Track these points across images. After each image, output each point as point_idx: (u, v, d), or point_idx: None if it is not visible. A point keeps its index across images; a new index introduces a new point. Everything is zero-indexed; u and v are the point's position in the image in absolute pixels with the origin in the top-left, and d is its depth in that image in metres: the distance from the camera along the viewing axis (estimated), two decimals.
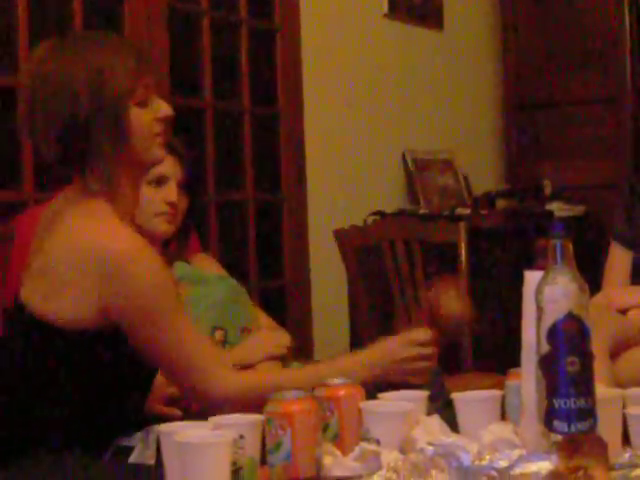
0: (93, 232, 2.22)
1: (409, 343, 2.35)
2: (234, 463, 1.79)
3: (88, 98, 2.22)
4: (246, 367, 2.74)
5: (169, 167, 2.94)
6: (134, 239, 2.23)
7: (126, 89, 2.25)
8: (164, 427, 1.89)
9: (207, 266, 3.22)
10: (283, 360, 2.92)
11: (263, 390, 2.20)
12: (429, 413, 2.01)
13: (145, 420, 2.40)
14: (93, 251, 2.20)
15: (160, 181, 2.93)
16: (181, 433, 1.81)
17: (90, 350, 2.23)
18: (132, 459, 2.30)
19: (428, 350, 2.34)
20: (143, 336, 2.23)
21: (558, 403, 1.73)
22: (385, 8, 5.08)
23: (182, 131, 4.01)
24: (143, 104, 2.29)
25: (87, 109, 2.22)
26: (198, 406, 2.46)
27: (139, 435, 2.34)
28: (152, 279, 2.22)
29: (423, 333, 2.36)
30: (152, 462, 2.26)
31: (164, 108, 2.33)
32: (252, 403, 2.20)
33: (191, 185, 3.01)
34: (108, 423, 2.31)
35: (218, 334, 2.88)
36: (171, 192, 2.92)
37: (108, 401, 2.28)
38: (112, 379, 2.27)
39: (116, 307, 2.20)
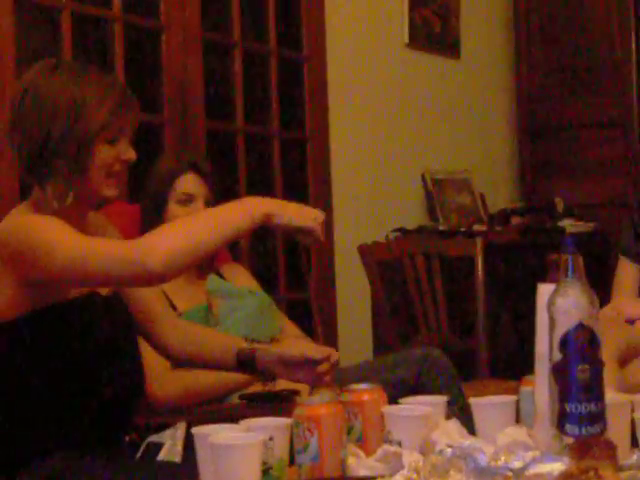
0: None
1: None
2: (264, 463, 1.78)
3: (62, 124, 2.20)
4: None
5: (195, 187, 2.96)
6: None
7: (99, 125, 2.21)
8: (198, 429, 1.88)
9: (238, 277, 3.23)
10: None
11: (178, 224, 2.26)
12: (448, 417, 2.01)
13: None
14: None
15: (188, 200, 2.94)
16: (215, 435, 1.81)
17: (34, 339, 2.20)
18: (161, 456, 2.30)
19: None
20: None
21: (570, 407, 1.73)
22: (406, 38, 5.09)
23: (215, 153, 4.02)
24: (111, 143, 2.24)
25: (59, 133, 2.20)
26: None
27: (168, 432, 2.34)
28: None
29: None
30: (179, 459, 2.26)
31: (130, 152, 2.27)
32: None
33: (217, 202, 3.01)
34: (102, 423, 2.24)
35: None
36: (198, 211, 2.93)
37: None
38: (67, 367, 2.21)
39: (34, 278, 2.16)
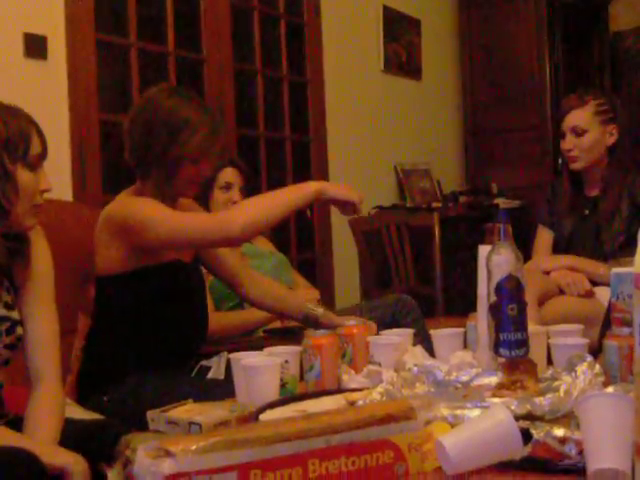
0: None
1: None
2: (282, 379, 1.80)
3: (162, 142, 2.17)
4: None
5: (233, 177, 2.95)
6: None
7: (189, 151, 2.17)
8: (234, 355, 1.89)
9: (262, 244, 3.24)
10: None
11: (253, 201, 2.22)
12: (414, 344, 2.01)
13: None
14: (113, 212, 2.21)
15: (227, 187, 2.94)
16: (246, 359, 1.83)
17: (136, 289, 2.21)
18: (210, 375, 2.31)
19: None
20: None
21: (502, 336, 1.72)
22: (382, 66, 5.06)
23: (244, 152, 4.02)
24: (195, 163, 2.20)
25: (159, 149, 2.17)
26: None
27: (214, 358, 2.35)
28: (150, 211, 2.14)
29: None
30: (222, 377, 2.28)
31: (210, 171, 2.27)
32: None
33: (249, 188, 3.01)
34: (177, 349, 2.26)
35: None
36: (235, 194, 2.93)
37: (168, 331, 2.23)
38: (161, 310, 2.22)
39: (141, 241, 2.14)
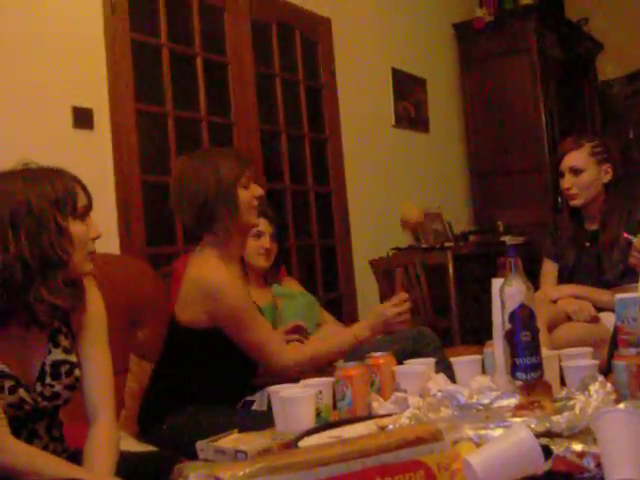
0: (202, 269, 2.24)
1: (392, 306, 2.34)
2: (317, 408, 1.79)
3: (213, 186, 2.22)
4: None
5: (264, 226, 2.96)
6: (225, 272, 2.22)
7: (234, 177, 2.24)
8: (272, 387, 1.90)
9: (292, 285, 3.23)
10: None
11: (311, 356, 2.28)
12: (437, 372, 2.00)
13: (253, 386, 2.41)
14: (200, 280, 2.22)
15: (259, 235, 2.95)
16: (283, 391, 1.82)
17: (209, 341, 2.24)
18: (254, 407, 2.31)
19: (405, 307, 2.33)
20: (234, 332, 2.21)
21: (518, 361, 1.71)
22: (393, 121, 5.10)
23: (273, 203, 4.04)
24: (246, 187, 2.28)
25: (213, 193, 2.23)
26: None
27: (258, 394, 2.34)
28: (235, 299, 2.20)
29: (399, 297, 2.35)
30: (265, 409, 2.27)
31: (259, 189, 2.32)
32: (306, 368, 2.26)
33: (279, 236, 3.02)
34: (232, 387, 2.30)
35: None
36: (266, 242, 2.94)
37: (226, 373, 2.27)
38: (225, 358, 2.25)
39: (215, 316, 2.20)
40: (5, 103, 2.90)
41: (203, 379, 2.24)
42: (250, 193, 2.28)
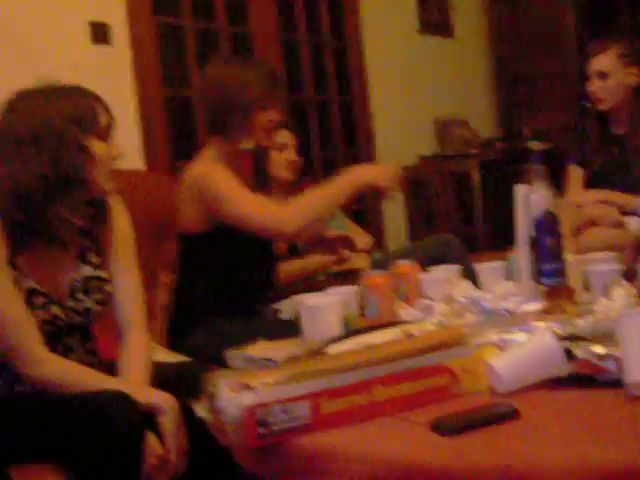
0: (190, 169, 2.25)
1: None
2: (343, 316, 1.82)
3: (232, 97, 2.21)
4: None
5: (288, 139, 2.95)
6: (211, 165, 2.21)
7: (255, 98, 2.21)
8: (299, 297, 1.92)
9: None
10: (368, 252, 2.94)
11: (304, 205, 2.18)
12: (462, 278, 2.02)
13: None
14: (187, 179, 2.23)
15: (282, 148, 2.94)
16: (309, 299, 1.85)
17: (212, 245, 2.24)
18: (281, 317, 2.33)
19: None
20: (226, 213, 2.16)
21: (542, 266, 1.73)
22: (417, 26, 5.00)
23: (295, 115, 4.01)
24: (264, 109, 2.23)
25: (232, 103, 2.21)
26: None
27: (284, 302, 2.38)
28: (217, 178, 2.18)
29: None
30: (291, 318, 2.30)
31: (276, 115, 2.27)
32: (306, 221, 2.16)
33: (301, 149, 3.01)
34: (248, 297, 2.29)
35: None
36: (291, 154, 2.93)
37: (239, 282, 2.27)
38: (232, 265, 2.25)
39: (206, 208, 2.19)
40: (22, 19, 2.88)
41: (221, 290, 2.25)
42: (266, 115, 2.25)
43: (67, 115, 1.59)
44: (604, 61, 2.96)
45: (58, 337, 1.67)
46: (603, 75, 2.96)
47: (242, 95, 2.21)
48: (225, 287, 2.25)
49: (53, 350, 1.62)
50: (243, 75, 2.23)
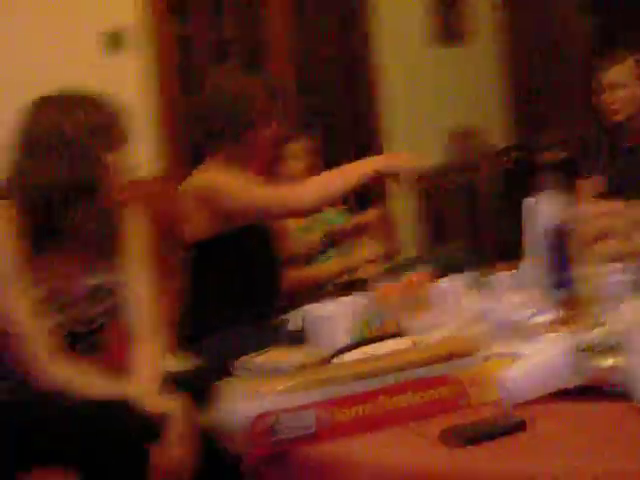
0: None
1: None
2: (359, 323, 1.81)
3: (232, 112, 2.21)
4: None
5: (300, 149, 2.95)
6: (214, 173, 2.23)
7: (255, 114, 2.22)
8: (308, 306, 1.92)
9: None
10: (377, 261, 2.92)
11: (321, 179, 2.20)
12: (471, 288, 1.99)
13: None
14: (189, 187, 2.25)
15: (297, 157, 2.93)
16: (317, 309, 1.85)
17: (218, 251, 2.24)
18: (289, 327, 2.33)
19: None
20: (238, 207, 2.17)
21: (554, 277, 1.73)
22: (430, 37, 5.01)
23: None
24: (266, 123, 2.25)
25: (231, 117, 2.22)
26: None
27: (292, 312, 2.37)
28: (220, 177, 2.20)
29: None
30: (299, 328, 2.30)
31: (277, 130, 2.29)
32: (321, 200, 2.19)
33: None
34: (257, 306, 2.28)
35: None
36: (306, 161, 2.93)
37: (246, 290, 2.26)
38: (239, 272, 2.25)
39: (212, 210, 2.18)
40: (37, 19, 2.90)
41: (229, 298, 2.25)
42: (270, 131, 2.27)
43: (80, 125, 1.61)
44: (618, 73, 2.99)
45: (72, 342, 1.68)
46: (617, 86, 2.99)
47: (243, 107, 2.22)
48: (234, 295, 2.26)
49: (63, 357, 1.62)
50: (245, 87, 2.24)
